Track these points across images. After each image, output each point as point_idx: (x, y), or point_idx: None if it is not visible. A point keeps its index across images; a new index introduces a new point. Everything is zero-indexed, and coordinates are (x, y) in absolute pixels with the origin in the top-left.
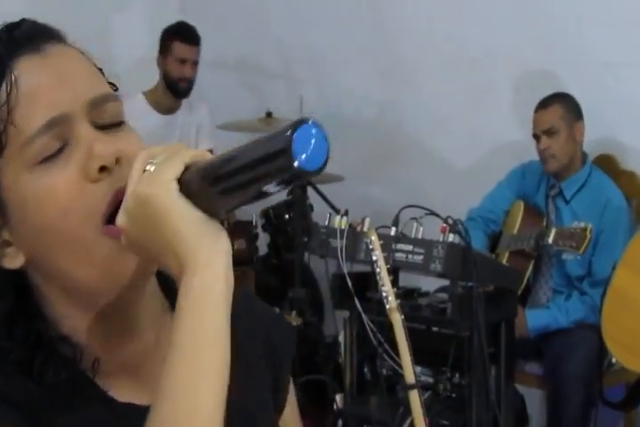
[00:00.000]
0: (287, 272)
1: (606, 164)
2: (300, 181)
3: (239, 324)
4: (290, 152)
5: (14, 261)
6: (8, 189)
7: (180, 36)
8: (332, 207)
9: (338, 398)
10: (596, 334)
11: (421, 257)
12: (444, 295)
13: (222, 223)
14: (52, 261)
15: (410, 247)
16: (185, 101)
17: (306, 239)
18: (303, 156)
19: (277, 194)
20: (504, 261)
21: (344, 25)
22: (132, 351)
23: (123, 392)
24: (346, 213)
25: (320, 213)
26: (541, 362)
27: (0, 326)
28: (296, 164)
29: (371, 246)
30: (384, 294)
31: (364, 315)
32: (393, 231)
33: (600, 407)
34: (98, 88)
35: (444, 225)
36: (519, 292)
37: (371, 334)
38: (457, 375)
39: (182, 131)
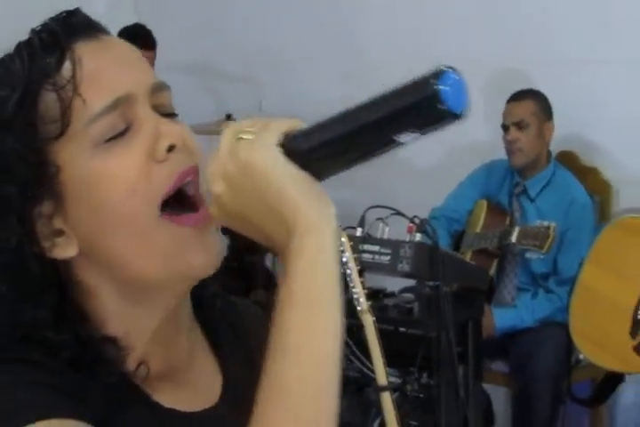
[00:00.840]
0: (248, 275)
1: (568, 160)
2: (440, 126)
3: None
4: (438, 96)
5: (66, 251)
6: (66, 170)
7: (133, 40)
8: None
9: None
10: (562, 332)
11: (388, 257)
12: (409, 296)
13: None
14: (109, 247)
15: (377, 248)
16: None
17: None
18: (450, 99)
19: None
20: (468, 260)
21: (305, 26)
22: (173, 358)
23: (165, 397)
24: None
25: None
26: (507, 360)
27: (47, 324)
28: (445, 107)
29: (341, 248)
30: (355, 296)
31: None
32: (359, 232)
33: (568, 404)
34: (153, 75)
35: (411, 225)
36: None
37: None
38: (425, 376)
39: None
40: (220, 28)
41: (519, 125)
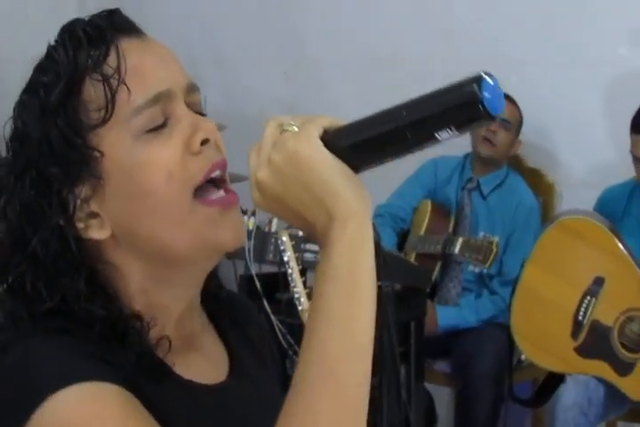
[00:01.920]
0: None
1: (514, 162)
2: (477, 126)
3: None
4: (480, 100)
5: (100, 232)
6: (107, 156)
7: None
8: None
9: None
10: (504, 333)
11: None
12: None
13: None
14: (143, 228)
15: (318, 247)
16: None
17: None
18: (489, 102)
19: None
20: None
21: (248, 24)
22: (187, 333)
23: (183, 370)
24: (253, 214)
25: None
26: (449, 360)
27: (82, 298)
28: (483, 109)
29: (282, 247)
30: (296, 296)
31: (272, 316)
32: (301, 232)
33: (509, 404)
34: (188, 76)
35: None
36: (428, 289)
37: (280, 336)
38: None
39: None
40: (163, 26)
41: (505, 124)
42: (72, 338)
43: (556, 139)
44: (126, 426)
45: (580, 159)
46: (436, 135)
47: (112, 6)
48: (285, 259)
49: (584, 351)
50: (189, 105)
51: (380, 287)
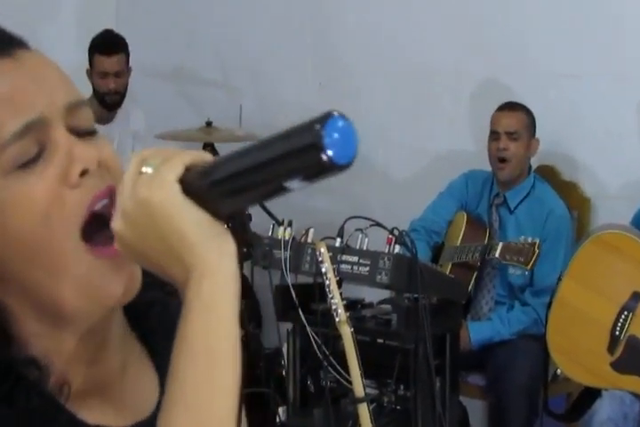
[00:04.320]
0: None
1: (548, 174)
2: (327, 176)
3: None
4: (321, 146)
5: None
6: None
7: (97, 48)
8: (273, 218)
9: (280, 410)
10: (538, 345)
11: (367, 268)
12: (387, 307)
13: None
14: (27, 274)
15: (355, 259)
16: (120, 110)
17: (245, 250)
18: (334, 149)
19: None
20: (447, 273)
21: (283, 35)
22: (100, 373)
23: (91, 414)
24: (289, 224)
25: (259, 224)
26: (483, 373)
27: None
28: (326, 158)
29: (320, 258)
30: (334, 307)
31: (308, 327)
32: (338, 242)
33: (543, 418)
34: (72, 93)
35: (390, 236)
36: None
37: (315, 347)
38: (402, 387)
39: (120, 140)
40: (198, 35)
41: (512, 136)
42: None
43: (591, 152)
44: None
45: (616, 173)
46: (285, 185)
47: (149, 17)
48: (323, 270)
49: (620, 367)
50: (73, 127)
51: (416, 300)
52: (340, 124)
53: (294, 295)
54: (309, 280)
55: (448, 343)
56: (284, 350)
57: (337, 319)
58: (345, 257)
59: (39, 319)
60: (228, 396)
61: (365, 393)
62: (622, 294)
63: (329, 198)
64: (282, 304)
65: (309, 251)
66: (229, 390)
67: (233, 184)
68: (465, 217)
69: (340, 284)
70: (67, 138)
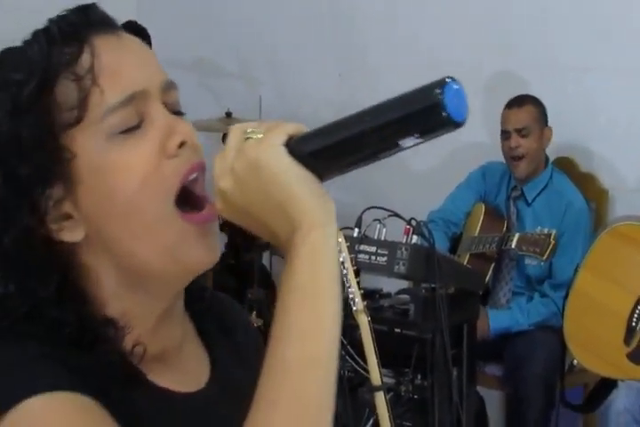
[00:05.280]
0: (245, 273)
1: (566, 166)
2: (442, 133)
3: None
4: (442, 105)
5: (73, 234)
6: (80, 157)
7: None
8: None
9: None
10: (556, 336)
11: (385, 258)
12: (405, 297)
13: None
14: (116, 235)
15: (373, 249)
16: None
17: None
18: (451, 108)
19: None
20: (465, 263)
21: (303, 26)
22: (164, 341)
23: (159, 378)
24: None
25: None
26: (501, 363)
27: (51, 303)
28: (445, 115)
29: (337, 248)
30: (350, 296)
31: None
32: (356, 233)
33: (560, 409)
34: (165, 74)
35: (408, 227)
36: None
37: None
38: (419, 377)
39: None
40: (217, 26)
41: (521, 132)
42: (39, 345)
43: (609, 144)
44: None
45: (634, 165)
46: (399, 142)
47: (170, 8)
48: (341, 260)
49: (636, 357)
50: (166, 104)
51: (433, 290)
52: (455, 87)
53: None
54: None
55: (465, 333)
56: None
57: (354, 308)
58: (363, 247)
59: (119, 282)
60: (332, 326)
61: (382, 382)
62: (639, 285)
63: (347, 189)
64: None
65: None
66: (332, 321)
67: (344, 146)
68: (483, 208)
69: (357, 273)
70: (164, 112)
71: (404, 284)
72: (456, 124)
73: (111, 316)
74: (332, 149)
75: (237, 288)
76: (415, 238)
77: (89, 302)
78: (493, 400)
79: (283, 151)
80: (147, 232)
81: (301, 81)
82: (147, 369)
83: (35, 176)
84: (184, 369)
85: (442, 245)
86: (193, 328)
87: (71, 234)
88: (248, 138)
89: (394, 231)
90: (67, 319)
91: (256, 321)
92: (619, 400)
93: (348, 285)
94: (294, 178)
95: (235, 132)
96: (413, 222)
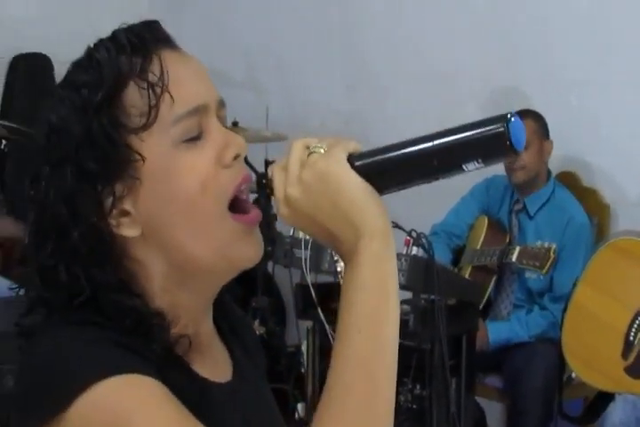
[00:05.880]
0: (250, 281)
1: (568, 181)
2: (502, 160)
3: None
4: (507, 135)
5: (130, 230)
6: (146, 160)
7: None
8: None
9: (300, 407)
10: (555, 349)
11: None
12: (406, 307)
13: None
14: (171, 233)
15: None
16: None
17: (270, 248)
18: (514, 138)
19: None
20: (467, 276)
21: (312, 36)
22: (201, 334)
23: (199, 368)
24: None
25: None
26: (501, 375)
27: (110, 292)
28: (509, 144)
29: (336, 257)
30: None
31: (327, 326)
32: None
33: (558, 421)
34: (218, 92)
35: (408, 238)
36: (481, 306)
37: (333, 344)
38: (418, 387)
39: None
40: (228, 36)
41: None
42: (102, 331)
43: (611, 159)
44: (166, 414)
45: (636, 179)
46: (463, 166)
47: (179, 15)
48: (339, 269)
49: (634, 371)
50: (219, 120)
51: (432, 301)
52: (518, 120)
53: (314, 294)
54: (330, 279)
55: (464, 344)
56: (304, 347)
57: None
58: None
59: (168, 276)
60: (393, 325)
61: None
62: (637, 300)
63: None
64: (302, 303)
65: (329, 250)
66: (394, 320)
67: (408, 165)
68: (486, 221)
69: None
70: (220, 126)
71: (407, 295)
72: (516, 152)
73: (160, 308)
74: (395, 167)
75: (242, 296)
76: (415, 250)
77: (140, 293)
78: (495, 412)
79: (346, 164)
80: (202, 231)
81: (309, 91)
82: (189, 359)
83: (102, 173)
84: (216, 361)
85: (444, 257)
86: (214, 327)
87: (128, 230)
88: (312, 153)
89: (396, 242)
90: (124, 307)
91: (259, 329)
92: (615, 413)
93: None
94: (359, 190)
95: (297, 146)
96: (414, 234)
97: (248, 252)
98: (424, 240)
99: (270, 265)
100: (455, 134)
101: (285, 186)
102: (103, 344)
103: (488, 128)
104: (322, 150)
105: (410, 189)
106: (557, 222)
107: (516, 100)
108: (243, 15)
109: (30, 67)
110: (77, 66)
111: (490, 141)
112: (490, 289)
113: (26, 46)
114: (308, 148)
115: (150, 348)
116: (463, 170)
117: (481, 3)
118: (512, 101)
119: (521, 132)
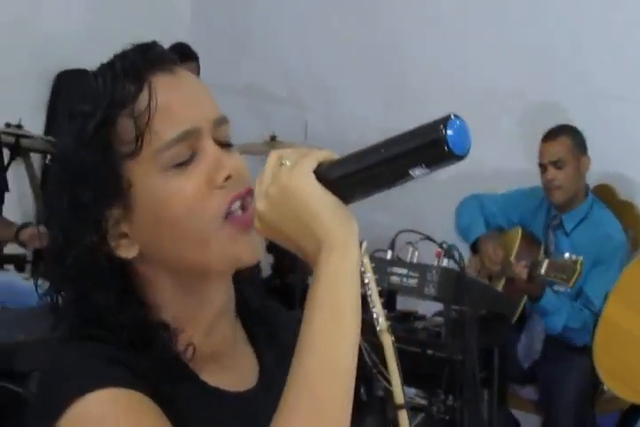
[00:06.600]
0: (290, 294)
1: (605, 194)
2: (446, 164)
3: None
4: (444, 140)
5: (129, 251)
6: (136, 185)
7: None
8: None
9: None
10: (587, 360)
11: (416, 281)
12: (440, 319)
13: None
14: (173, 250)
15: (405, 271)
16: None
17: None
18: (452, 143)
19: None
20: (500, 288)
21: (350, 53)
22: (216, 343)
23: (210, 377)
24: None
25: None
26: (537, 387)
27: (111, 310)
28: (447, 149)
29: (362, 269)
30: (374, 316)
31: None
32: (389, 255)
33: None
34: (217, 110)
35: (439, 250)
36: (515, 318)
37: (366, 355)
38: (450, 398)
39: None
40: (270, 53)
41: (556, 164)
42: (100, 345)
43: None
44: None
45: None
46: (410, 172)
47: (223, 34)
48: (366, 280)
49: None
50: (217, 138)
51: (463, 313)
52: (457, 123)
53: None
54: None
55: (496, 356)
56: None
57: (378, 328)
58: (395, 269)
59: (175, 286)
60: (349, 343)
61: (407, 400)
62: None
63: (385, 212)
64: None
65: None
66: (349, 339)
67: (363, 174)
68: (520, 233)
69: (393, 295)
70: (214, 147)
71: (439, 306)
72: (457, 158)
73: (166, 319)
74: (354, 177)
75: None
76: (446, 262)
77: (147, 307)
78: (531, 424)
79: (312, 178)
80: (201, 243)
81: (348, 107)
82: (198, 368)
83: (96, 201)
84: (235, 369)
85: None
86: (244, 334)
87: (127, 251)
88: (282, 164)
89: (427, 254)
90: (125, 324)
91: None
92: None
93: (372, 305)
94: (321, 203)
95: (272, 157)
96: (445, 246)
97: (245, 250)
98: (455, 252)
99: (310, 278)
100: (399, 142)
101: (256, 200)
102: (96, 359)
103: (426, 133)
104: (288, 163)
105: (443, 204)
106: (594, 240)
107: (552, 114)
108: (284, 33)
109: (74, 83)
110: (79, 95)
111: (428, 147)
112: (524, 302)
113: (69, 63)
114: (280, 159)
115: (150, 360)
116: (412, 176)
117: (515, 18)
118: (548, 115)
119: (463, 135)
